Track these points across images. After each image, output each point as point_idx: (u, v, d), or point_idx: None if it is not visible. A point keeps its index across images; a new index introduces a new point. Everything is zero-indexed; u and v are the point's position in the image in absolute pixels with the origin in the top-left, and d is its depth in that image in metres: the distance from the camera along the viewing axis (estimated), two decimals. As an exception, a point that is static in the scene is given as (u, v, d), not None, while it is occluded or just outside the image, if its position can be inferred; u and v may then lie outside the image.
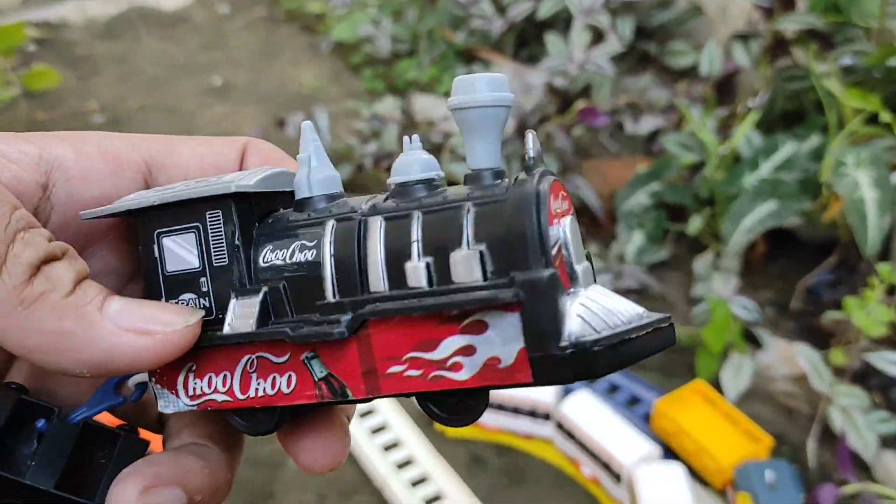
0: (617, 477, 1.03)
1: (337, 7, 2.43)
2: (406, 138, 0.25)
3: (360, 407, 1.16)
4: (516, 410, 1.13)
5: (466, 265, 0.22)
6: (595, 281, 0.24)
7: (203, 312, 0.25)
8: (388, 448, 1.12)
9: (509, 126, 1.78)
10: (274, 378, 0.25)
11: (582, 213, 1.57)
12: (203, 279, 0.26)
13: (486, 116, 0.22)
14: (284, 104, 2.10)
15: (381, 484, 1.08)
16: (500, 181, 0.23)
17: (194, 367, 0.26)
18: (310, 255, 0.24)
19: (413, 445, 1.12)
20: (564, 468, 1.11)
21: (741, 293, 1.36)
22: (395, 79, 2.11)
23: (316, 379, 0.24)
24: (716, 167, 1.46)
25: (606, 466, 1.05)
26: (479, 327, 0.22)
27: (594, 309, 0.22)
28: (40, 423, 0.27)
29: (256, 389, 0.25)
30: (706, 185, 1.46)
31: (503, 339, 0.21)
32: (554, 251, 0.22)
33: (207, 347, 0.26)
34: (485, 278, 0.22)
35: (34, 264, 0.23)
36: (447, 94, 2.02)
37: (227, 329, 0.25)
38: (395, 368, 0.23)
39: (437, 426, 1.16)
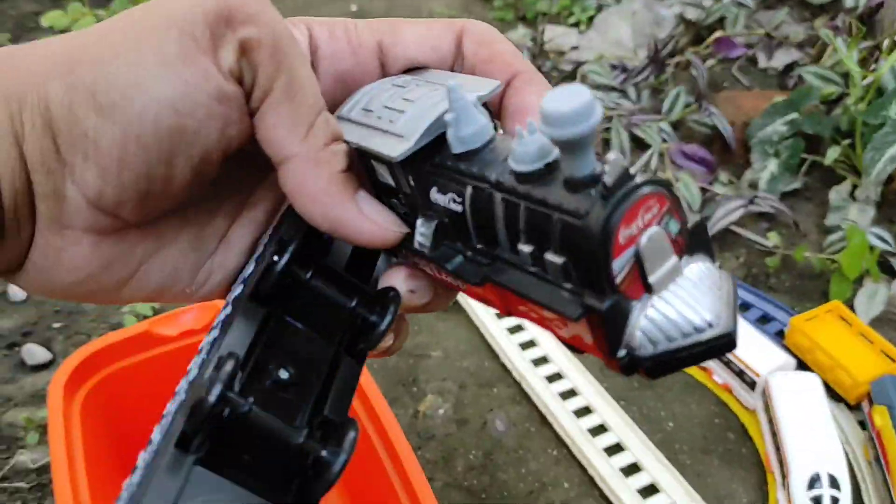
0: (751, 385, 1.07)
1: (465, -61, 2.45)
2: (519, 129, 0.26)
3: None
4: (650, 319, 1.17)
5: (554, 269, 0.25)
6: (698, 252, 0.27)
7: (408, 231, 0.32)
8: (525, 347, 1.18)
9: (641, 56, 1.79)
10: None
11: (714, 140, 1.57)
12: (400, 195, 0.32)
13: (577, 142, 0.23)
14: (414, 32, 2.15)
15: (519, 377, 1.14)
16: (592, 188, 0.24)
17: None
18: (458, 209, 0.29)
19: (548, 346, 1.18)
20: (695, 375, 1.15)
21: (876, 225, 1.36)
22: (526, 9, 2.12)
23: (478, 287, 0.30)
24: (858, 98, 1.44)
25: (740, 374, 1.08)
26: None
27: (658, 321, 0.24)
28: (327, 235, 0.34)
29: (440, 275, 0.32)
30: (848, 116, 1.44)
31: (584, 328, 0.25)
32: (623, 274, 0.24)
33: (401, 249, 0.33)
34: (569, 280, 0.25)
35: (329, 136, 0.30)
36: (577, 25, 2.03)
37: (416, 245, 0.31)
38: (522, 308, 0.28)
39: (572, 330, 1.22)
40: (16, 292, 1.33)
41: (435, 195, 0.30)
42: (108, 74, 0.27)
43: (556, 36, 1.93)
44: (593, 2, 2.04)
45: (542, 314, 0.27)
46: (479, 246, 0.29)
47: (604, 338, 0.24)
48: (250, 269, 0.33)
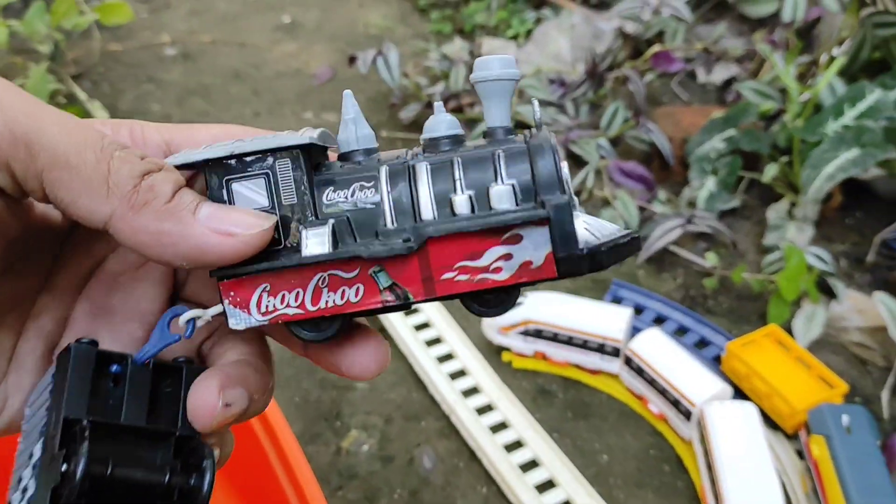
0: (686, 415, 1.03)
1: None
2: (436, 104, 0.30)
3: (426, 333, 1.18)
4: (585, 345, 1.13)
5: (505, 195, 0.29)
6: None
7: (276, 218, 0.30)
8: (454, 376, 1.13)
9: (580, 70, 1.76)
10: (343, 290, 0.30)
11: (653, 157, 1.54)
12: (271, 213, 0.30)
13: (498, 87, 0.29)
14: (352, 44, 2.10)
15: (449, 410, 1.09)
16: (512, 136, 0.30)
17: (268, 288, 0.31)
18: (369, 194, 0.30)
19: (479, 375, 1.13)
20: (631, 404, 1.11)
21: (815, 244, 1.33)
22: (463, 21, 2.08)
23: (381, 288, 0.30)
24: (796, 115, 1.42)
25: (675, 404, 1.04)
26: (516, 239, 0.29)
27: (591, 223, 0.29)
28: (114, 368, 0.31)
29: (327, 301, 0.30)
30: (785, 133, 1.42)
31: (534, 246, 0.29)
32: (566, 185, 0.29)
33: (282, 269, 0.30)
34: (516, 205, 0.29)
35: (135, 176, 0.28)
36: (515, 38, 1.99)
37: (305, 253, 0.30)
38: (448, 275, 0.29)
39: (504, 357, 1.17)
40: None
41: (331, 195, 0.30)
42: None
43: (494, 49, 1.89)
44: (532, 15, 2.00)
45: (478, 265, 0.29)
46: (393, 227, 0.29)
47: (563, 234, 0.28)
48: (38, 452, 0.29)
